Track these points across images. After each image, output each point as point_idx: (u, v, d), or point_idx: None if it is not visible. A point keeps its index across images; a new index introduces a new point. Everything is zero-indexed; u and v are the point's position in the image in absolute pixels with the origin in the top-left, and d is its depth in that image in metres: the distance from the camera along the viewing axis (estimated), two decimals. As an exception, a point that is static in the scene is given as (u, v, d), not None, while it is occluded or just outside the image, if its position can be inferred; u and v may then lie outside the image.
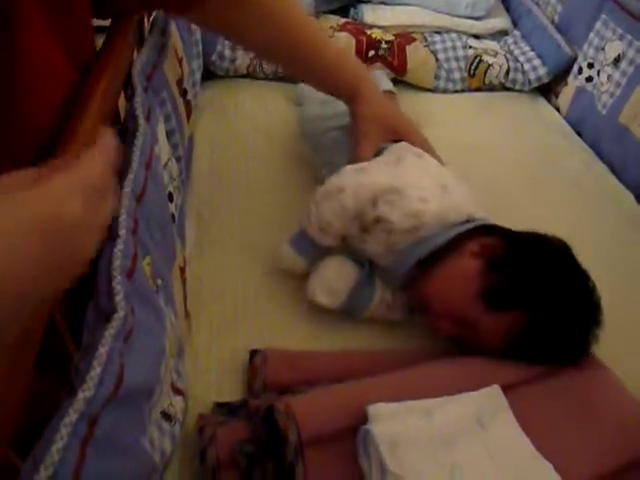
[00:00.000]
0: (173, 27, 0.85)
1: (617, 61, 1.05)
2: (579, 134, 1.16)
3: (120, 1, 0.61)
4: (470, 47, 1.24)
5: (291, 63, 0.82)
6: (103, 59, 0.58)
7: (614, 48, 1.05)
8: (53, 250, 0.30)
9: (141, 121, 0.56)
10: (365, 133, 0.80)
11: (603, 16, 1.09)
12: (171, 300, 0.56)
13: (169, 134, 0.74)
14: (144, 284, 0.48)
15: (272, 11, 0.72)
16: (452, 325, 0.66)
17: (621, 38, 1.04)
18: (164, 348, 0.46)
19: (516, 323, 0.63)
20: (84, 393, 0.33)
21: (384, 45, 1.19)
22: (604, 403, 0.62)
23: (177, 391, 0.56)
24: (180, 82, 0.83)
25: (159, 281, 0.52)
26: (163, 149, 0.69)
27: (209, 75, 1.17)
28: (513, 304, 0.63)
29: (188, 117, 0.87)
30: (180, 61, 0.85)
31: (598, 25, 1.10)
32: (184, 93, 0.85)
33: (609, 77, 1.06)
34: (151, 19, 0.81)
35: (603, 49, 1.08)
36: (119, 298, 0.40)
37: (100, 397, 0.34)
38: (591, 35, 1.12)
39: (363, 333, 0.74)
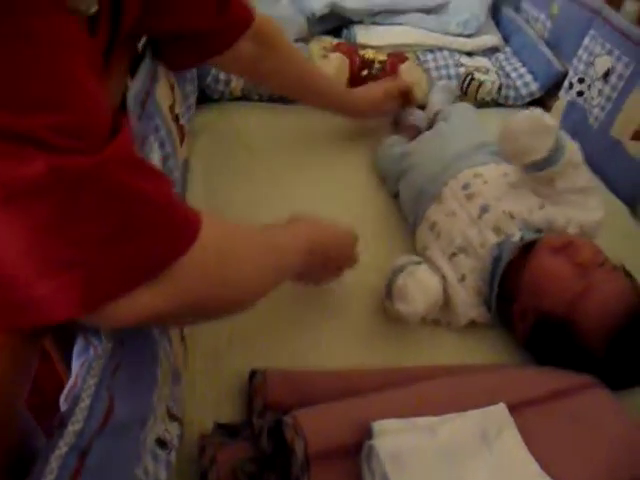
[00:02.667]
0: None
1: (607, 75, 1.06)
2: (572, 148, 1.17)
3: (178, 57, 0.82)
4: (462, 65, 1.25)
5: (304, 95, 1.03)
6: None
7: (603, 63, 1.06)
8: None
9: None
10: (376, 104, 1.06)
11: (591, 32, 1.11)
12: (165, 328, 0.56)
13: (164, 160, 0.75)
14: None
15: (296, 55, 0.96)
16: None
17: (610, 53, 1.05)
18: (156, 378, 0.47)
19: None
20: (73, 426, 0.34)
21: (377, 65, 1.20)
22: (607, 424, 0.62)
23: (173, 417, 0.56)
24: (172, 107, 0.84)
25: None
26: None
27: (204, 98, 1.18)
28: None
29: (182, 142, 0.88)
30: (172, 87, 0.86)
31: (587, 40, 1.12)
32: (176, 118, 0.86)
33: (599, 91, 1.07)
34: (142, 45, 0.83)
35: (592, 64, 1.09)
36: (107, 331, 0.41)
37: (90, 429, 0.35)
38: (580, 50, 1.13)
39: (366, 351, 0.74)
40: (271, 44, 0.89)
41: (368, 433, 0.54)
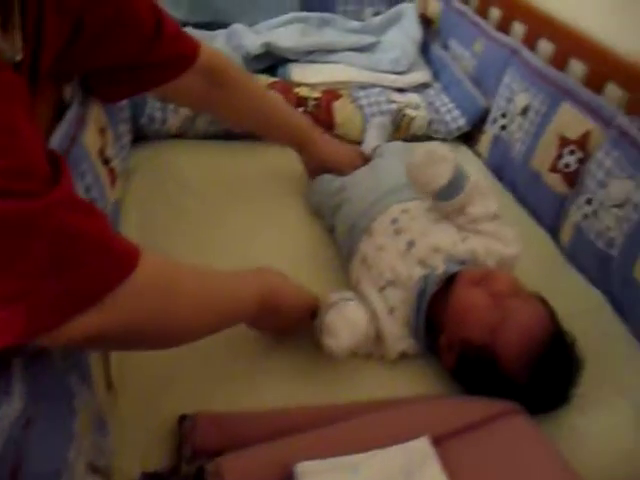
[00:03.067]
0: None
1: (525, 111, 1.12)
2: (499, 179, 1.22)
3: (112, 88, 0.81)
4: (394, 101, 1.30)
5: (257, 125, 1.04)
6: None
7: (521, 99, 1.13)
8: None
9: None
10: (312, 173, 1.09)
11: (510, 70, 1.18)
12: (86, 377, 0.56)
13: (90, 205, 0.75)
14: (51, 366, 0.48)
15: (249, 88, 0.97)
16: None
17: (526, 90, 1.11)
18: (72, 432, 0.46)
19: None
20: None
21: (312, 102, 1.24)
22: (527, 452, 0.64)
23: (96, 470, 0.55)
24: (102, 151, 0.85)
25: (70, 360, 0.52)
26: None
27: (141, 137, 1.19)
28: None
29: (112, 184, 0.88)
30: (102, 130, 0.87)
31: (506, 79, 1.18)
32: (107, 161, 0.87)
33: (520, 126, 1.14)
34: (71, 91, 0.83)
35: (512, 100, 1.16)
36: (17, 385, 0.40)
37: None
38: (501, 87, 1.20)
39: (303, 389, 0.75)
40: (221, 79, 0.90)
41: (292, 476, 0.54)
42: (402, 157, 1.05)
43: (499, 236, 0.81)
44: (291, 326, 0.77)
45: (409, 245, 0.81)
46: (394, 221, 0.84)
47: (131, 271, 0.49)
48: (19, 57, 0.49)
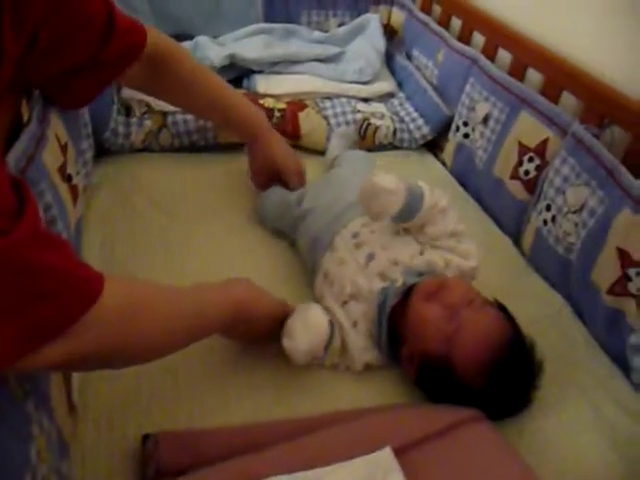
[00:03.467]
0: (55, 113, 0.86)
1: (486, 120, 1.14)
2: (464, 186, 1.25)
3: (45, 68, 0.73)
4: (359, 111, 1.32)
5: (205, 109, 1.03)
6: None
7: (482, 108, 1.15)
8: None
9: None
10: (255, 171, 1.09)
11: (471, 79, 1.20)
12: (45, 402, 0.55)
13: (50, 224, 0.74)
14: (7, 392, 0.47)
15: (186, 70, 0.94)
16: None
17: (486, 99, 1.14)
18: (28, 458, 0.46)
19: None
20: None
21: (277, 113, 1.24)
22: (491, 459, 0.65)
23: (56, 495, 0.54)
24: (63, 168, 0.84)
25: (27, 386, 0.51)
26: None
27: (104, 152, 1.18)
28: None
29: (75, 201, 0.87)
30: (63, 147, 0.86)
31: (468, 88, 1.21)
32: (69, 178, 0.86)
33: (481, 134, 1.16)
34: (29, 108, 0.82)
35: (474, 109, 1.18)
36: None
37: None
38: (463, 96, 1.22)
39: (265, 403, 0.75)
40: (163, 63, 0.89)
41: (255, 492, 0.54)
42: (361, 167, 1.06)
43: (458, 251, 0.82)
44: (262, 334, 0.77)
45: (369, 258, 0.81)
46: (355, 235, 0.85)
47: (94, 300, 0.50)
48: None
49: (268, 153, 1.05)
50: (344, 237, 0.85)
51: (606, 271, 0.85)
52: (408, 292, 0.76)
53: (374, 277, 0.79)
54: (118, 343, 0.55)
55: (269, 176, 1.06)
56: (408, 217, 0.79)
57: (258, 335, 0.77)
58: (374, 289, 0.78)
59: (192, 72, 0.95)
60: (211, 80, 0.99)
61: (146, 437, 0.66)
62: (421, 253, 0.81)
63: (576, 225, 0.91)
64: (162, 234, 1.00)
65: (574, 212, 0.92)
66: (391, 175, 0.79)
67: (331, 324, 0.76)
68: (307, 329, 0.73)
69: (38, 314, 0.45)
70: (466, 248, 0.82)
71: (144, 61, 0.86)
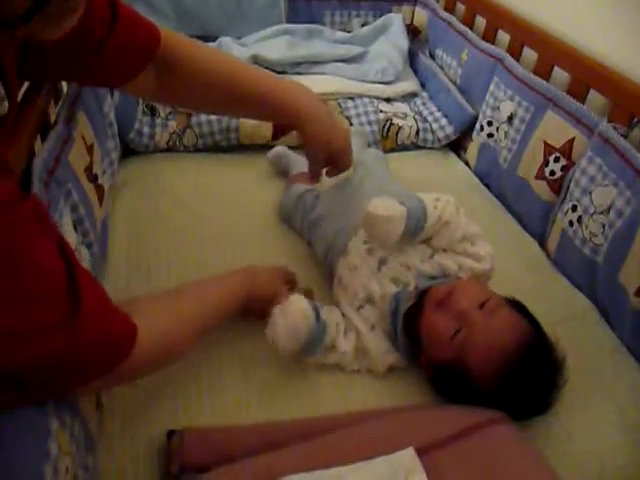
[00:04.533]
0: (82, 114, 0.87)
1: (510, 119, 1.13)
2: (487, 186, 1.23)
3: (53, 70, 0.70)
4: (381, 111, 1.31)
5: (233, 101, 0.84)
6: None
7: (507, 107, 1.14)
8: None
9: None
10: (313, 156, 0.89)
11: (495, 78, 1.19)
12: (70, 400, 0.57)
13: (77, 223, 0.76)
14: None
15: (202, 59, 0.80)
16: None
17: (511, 98, 1.12)
18: (46, 451, 0.48)
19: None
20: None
21: (300, 113, 1.24)
22: (513, 460, 0.64)
23: (82, 487, 0.56)
24: (89, 168, 0.85)
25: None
26: (68, 240, 0.70)
27: (130, 152, 1.19)
28: None
29: (100, 201, 0.89)
30: (90, 147, 0.87)
31: (492, 87, 1.19)
32: (95, 178, 0.87)
33: (506, 134, 1.15)
34: (57, 110, 0.84)
35: (498, 108, 1.17)
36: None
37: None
38: (487, 96, 1.21)
39: (286, 402, 0.75)
40: (171, 62, 0.76)
41: (276, 490, 0.55)
42: (375, 168, 1.04)
43: (469, 253, 0.80)
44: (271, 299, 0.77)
45: (381, 263, 0.81)
46: (367, 240, 0.84)
47: (131, 349, 0.56)
48: (4, 111, 0.51)
49: (325, 137, 0.86)
50: (356, 242, 0.84)
51: (634, 273, 0.83)
52: (422, 295, 0.76)
53: (387, 282, 0.79)
54: (156, 366, 0.66)
55: (323, 161, 0.90)
56: (411, 237, 0.78)
57: (267, 299, 0.78)
58: (387, 294, 0.78)
59: (209, 62, 0.81)
60: (233, 67, 0.83)
61: (171, 433, 0.67)
62: (431, 257, 0.80)
63: (603, 226, 0.90)
64: (186, 233, 1.01)
65: (601, 213, 0.90)
66: (389, 200, 0.76)
67: (319, 321, 0.75)
68: (285, 320, 0.72)
69: (79, 367, 0.52)
70: (478, 250, 0.80)
71: (159, 66, 0.76)
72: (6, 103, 0.52)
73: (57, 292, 0.48)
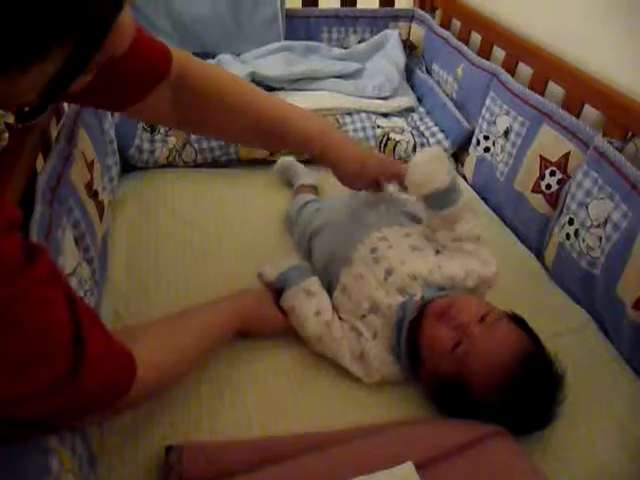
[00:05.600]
0: (82, 131, 0.88)
1: (507, 133, 1.14)
2: (484, 199, 1.24)
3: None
4: (379, 126, 1.33)
5: (259, 135, 0.83)
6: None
7: (503, 122, 1.15)
8: None
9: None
10: (345, 178, 0.87)
11: (491, 93, 1.20)
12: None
13: (78, 239, 0.76)
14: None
15: (229, 92, 0.79)
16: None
17: (507, 113, 1.14)
18: (47, 468, 0.48)
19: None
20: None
21: (298, 129, 1.26)
22: (512, 475, 0.64)
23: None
24: (89, 185, 0.86)
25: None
26: (70, 256, 0.71)
27: (130, 167, 1.20)
28: None
29: (101, 217, 0.89)
30: (90, 164, 0.88)
31: (488, 102, 1.21)
32: (95, 194, 0.88)
33: (502, 148, 1.16)
34: (58, 127, 0.85)
35: (494, 123, 1.18)
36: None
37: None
38: (483, 110, 1.23)
39: (285, 416, 0.75)
40: (183, 84, 0.75)
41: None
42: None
43: (477, 254, 0.82)
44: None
45: (387, 273, 0.82)
46: (373, 250, 0.85)
47: (132, 382, 0.57)
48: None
49: (352, 169, 0.85)
50: (362, 252, 0.85)
51: (631, 286, 0.83)
52: (423, 308, 0.76)
53: (393, 292, 0.80)
54: (156, 391, 0.69)
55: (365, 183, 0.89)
56: (446, 203, 0.81)
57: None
58: (393, 304, 0.79)
59: (231, 94, 0.79)
60: (238, 88, 0.81)
61: (169, 448, 0.67)
62: (440, 267, 0.81)
63: (600, 239, 0.90)
64: (186, 248, 1.02)
65: (597, 226, 0.91)
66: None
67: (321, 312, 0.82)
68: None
69: (85, 402, 0.53)
70: (486, 253, 0.83)
71: (173, 87, 0.74)
72: (6, 135, 0.53)
73: (62, 344, 0.49)
